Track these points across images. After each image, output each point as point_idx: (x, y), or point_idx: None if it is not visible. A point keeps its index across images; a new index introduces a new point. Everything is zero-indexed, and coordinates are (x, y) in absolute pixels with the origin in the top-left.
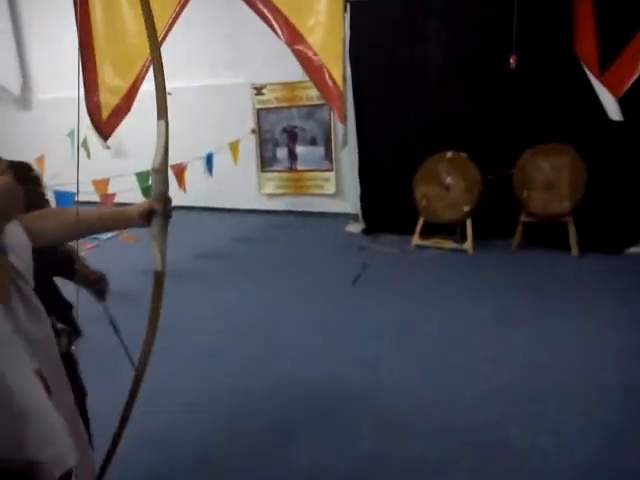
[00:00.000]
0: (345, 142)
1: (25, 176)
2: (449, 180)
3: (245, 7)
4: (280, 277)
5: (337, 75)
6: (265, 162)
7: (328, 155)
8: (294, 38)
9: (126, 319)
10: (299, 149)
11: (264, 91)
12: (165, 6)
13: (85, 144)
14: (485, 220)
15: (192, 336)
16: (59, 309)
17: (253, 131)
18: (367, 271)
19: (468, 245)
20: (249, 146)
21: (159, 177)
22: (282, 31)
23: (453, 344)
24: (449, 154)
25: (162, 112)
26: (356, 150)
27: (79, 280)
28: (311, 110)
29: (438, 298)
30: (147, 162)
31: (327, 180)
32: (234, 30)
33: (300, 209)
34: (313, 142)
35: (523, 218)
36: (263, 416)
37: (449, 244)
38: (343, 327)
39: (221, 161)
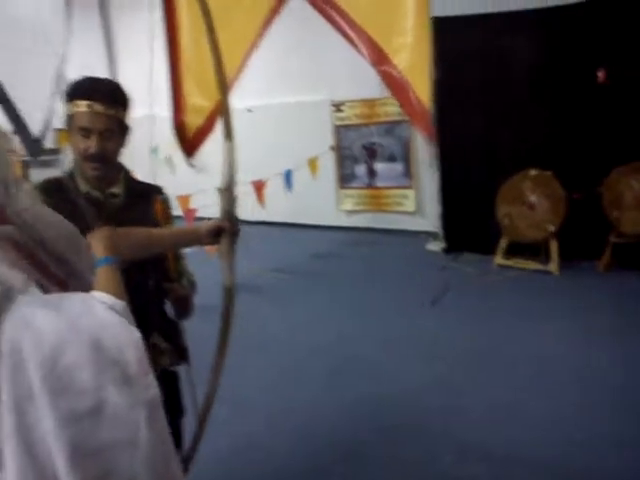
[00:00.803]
0: (436, 161)
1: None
2: (533, 199)
3: (325, 25)
4: (358, 294)
5: (423, 95)
6: (344, 179)
7: (407, 172)
8: (379, 58)
9: (205, 332)
10: (378, 166)
11: (343, 108)
12: (249, 25)
13: (169, 161)
14: (571, 240)
15: (269, 351)
16: (166, 328)
17: (332, 148)
18: (448, 291)
19: (553, 266)
20: (328, 163)
21: (227, 196)
22: (367, 51)
23: (539, 368)
24: (533, 172)
25: (228, 133)
26: (437, 167)
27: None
28: (390, 127)
29: (522, 320)
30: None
31: (406, 197)
32: (314, 48)
33: (379, 226)
34: (392, 159)
35: (613, 239)
36: (339, 435)
37: (533, 265)
38: (423, 347)
39: (300, 178)
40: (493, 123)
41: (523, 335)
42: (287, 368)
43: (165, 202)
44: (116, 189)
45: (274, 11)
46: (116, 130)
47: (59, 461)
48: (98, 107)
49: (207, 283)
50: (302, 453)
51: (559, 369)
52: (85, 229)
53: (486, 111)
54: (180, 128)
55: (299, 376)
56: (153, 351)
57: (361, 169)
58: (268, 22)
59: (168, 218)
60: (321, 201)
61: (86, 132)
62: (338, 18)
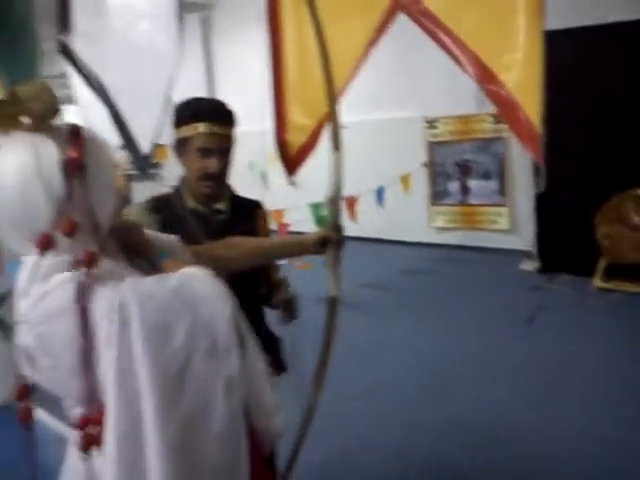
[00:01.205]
0: (544, 183)
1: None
2: (637, 219)
3: (420, 41)
4: (448, 312)
5: (533, 114)
6: (436, 195)
7: (502, 189)
8: (485, 77)
9: (299, 345)
10: (471, 183)
11: (437, 124)
12: (354, 45)
13: (264, 176)
14: None
15: (361, 365)
16: (267, 339)
17: (425, 164)
18: (543, 312)
19: None
20: (420, 179)
21: (333, 207)
22: (472, 70)
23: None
24: (639, 191)
25: (337, 143)
26: (532, 184)
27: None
28: (485, 143)
29: (624, 346)
30: (321, 193)
31: (500, 215)
32: (407, 64)
33: (470, 244)
34: (487, 176)
35: None
36: (431, 451)
37: (635, 287)
38: (516, 367)
39: (392, 194)
40: (593, 140)
41: (622, 361)
42: (379, 383)
43: (265, 216)
44: (221, 205)
45: (380, 31)
46: (229, 149)
47: (148, 413)
48: (217, 128)
49: (300, 297)
50: (395, 469)
51: None
52: (192, 243)
53: (585, 127)
54: (283, 146)
55: (391, 392)
56: None
57: (454, 186)
58: (373, 42)
59: (267, 232)
60: (412, 217)
61: (206, 152)
62: (442, 36)
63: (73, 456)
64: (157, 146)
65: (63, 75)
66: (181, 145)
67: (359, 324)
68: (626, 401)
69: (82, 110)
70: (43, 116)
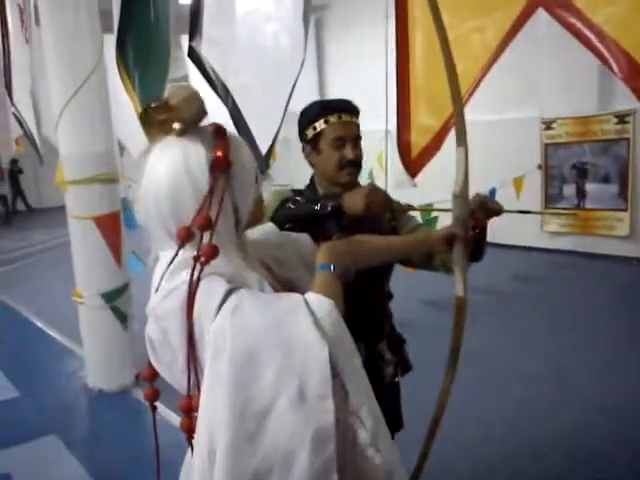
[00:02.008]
0: None
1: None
2: None
3: (538, 39)
4: (558, 322)
5: None
6: (550, 199)
7: (623, 194)
8: (634, 73)
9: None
10: (589, 186)
11: (554, 125)
12: (488, 40)
13: (371, 175)
14: None
15: (469, 371)
16: (391, 339)
17: (540, 167)
18: None
19: None
20: (534, 182)
21: (460, 202)
22: (617, 66)
23: None
24: None
25: (461, 138)
26: None
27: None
28: (606, 145)
29: None
30: (429, 194)
31: (620, 220)
32: (525, 63)
33: (585, 250)
34: (606, 179)
35: None
36: (542, 464)
37: None
38: (633, 384)
39: (504, 196)
40: None
41: None
42: (488, 390)
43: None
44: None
45: (516, 27)
46: (360, 137)
47: (220, 451)
48: (347, 117)
49: (406, 299)
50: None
51: None
52: (325, 237)
53: None
54: (405, 147)
55: (500, 400)
56: (378, 360)
57: (570, 189)
58: (508, 39)
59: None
60: (525, 221)
61: (340, 141)
62: (586, 31)
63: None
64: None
65: (185, 78)
66: (314, 142)
67: (469, 328)
68: None
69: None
70: (193, 120)
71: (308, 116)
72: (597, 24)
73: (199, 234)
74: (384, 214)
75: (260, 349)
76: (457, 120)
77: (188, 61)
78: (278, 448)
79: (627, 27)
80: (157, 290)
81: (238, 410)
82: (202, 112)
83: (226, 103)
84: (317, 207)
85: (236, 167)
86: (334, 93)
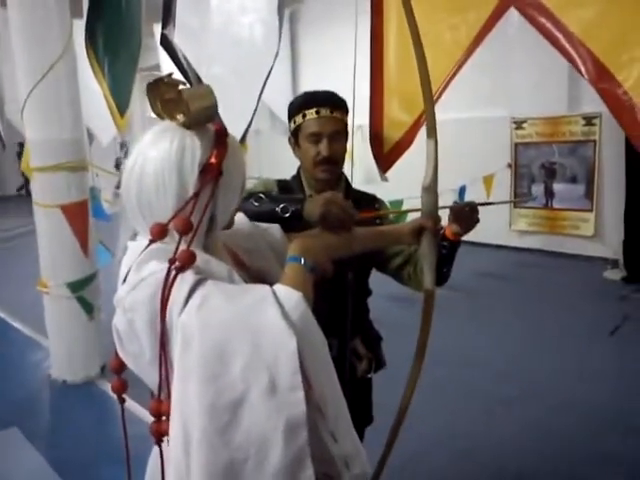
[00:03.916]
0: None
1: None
2: None
3: (510, 39)
4: (525, 319)
5: None
6: (519, 198)
7: (589, 194)
8: (600, 75)
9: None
10: (557, 186)
11: (524, 125)
12: (459, 39)
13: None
14: None
15: (435, 367)
16: (367, 335)
17: (509, 166)
18: (628, 323)
19: None
20: (504, 180)
21: (429, 196)
22: (585, 67)
23: None
24: None
25: (431, 131)
26: (623, 189)
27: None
28: (574, 146)
29: None
30: (399, 190)
31: (585, 221)
32: (498, 62)
33: (552, 249)
34: (573, 180)
35: None
36: (504, 462)
37: None
38: (597, 380)
39: (474, 194)
40: None
41: None
42: (451, 387)
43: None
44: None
45: (488, 27)
46: (342, 133)
47: (194, 441)
48: (325, 112)
49: (374, 295)
50: (465, 472)
51: None
52: (308, 227)
53: None
54: (377, 142)
55: (467, 396)
56: (352, 355)
57: (538, 189)
58: (479, 39)
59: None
60: (493, 219)
61: (316, 137)
62: (555, 32)
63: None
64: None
65: (156, 67)
66: (295, 136)
67: (435, 324)
68: None
69: None
70: (198, 120)
71: (292, 109)
72: (567, 25)
73: (173, 233)
74: (345, 227)
75: (228, 342)
76: (427, 113)
77: (161, 50)
78: (251, 439)
79: (595, 30)
80: (124, 281)
81: (209, 403)
82: (210, 114)
83: None
84: (278, 209)
85: (226, 177)
86: (307, 86)
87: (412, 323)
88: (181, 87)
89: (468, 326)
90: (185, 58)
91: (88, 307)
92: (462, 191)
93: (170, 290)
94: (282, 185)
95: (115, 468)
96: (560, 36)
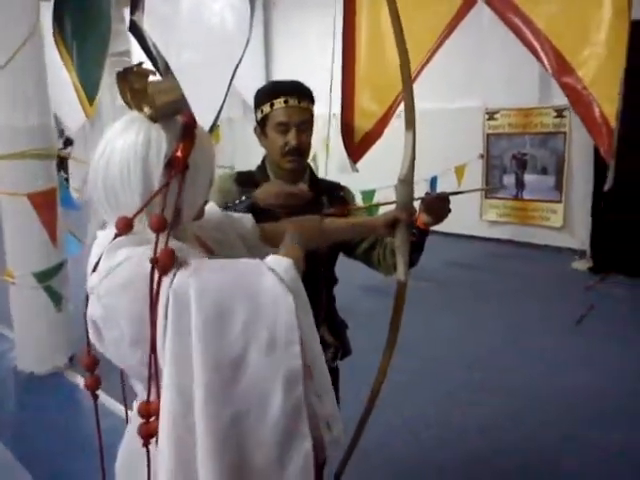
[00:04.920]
0: (612, 181)
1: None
2: None
3: (484, 32)
4: (496, 307)
5: (609, 112)
6: (489, 187)
7: (558, 186)
8: (562, 70)
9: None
10: (527, 177)
11: (497, 116)
12: (428, 34)
13: (314, 159)
14: None
15: (406, 355)
16: (333, 323)
17: (481, 156)
18: (593, 312)
19: None
20: (475, 171)
21: (405, 188)
22: (549, 62)
23: None
24: None
25: (410, 124)
26: (591, 181)
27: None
28: (545, 138)
29: None
30: (372, 180)
31: (554, 212)
32: (471, 53)
33: (522, 239)
34: (544, 171)
35: None
36: (472, 451)
37: None
38: (564, 367)
39: (445, 184)
40: None
41: None
42: (423, 376)
43: (349, 198)
44: (302, 184)
45: (457, 19)
46: (309, 123)
47: (198, 399)
48: (293, 102)
49: (345, 284)
50: (432, 462)
51: None
52: (274, 218)
53: None
54: (348, 132)
55: (439, 385)
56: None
57: (509, 179)
58: (449, 30)
59: (349, 214)
60: (464, 209)
61: (284, 127)
62: (521, 26)
63: (132, 436)
64: (215, 127)
65: (126, 52)
66: (262, 125)
67: (407, 313)
68: None
69: None
70: (164, 113)
71: (258, 97)
72: (532, 21)
73: (138, 225)
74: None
75: (227, 303)
76: (406, 105)
77: (131, 36)
78: (253, 392)
79: (559, 26)
80: (94, 269)
81: (213, 361)
82: (176, 108)
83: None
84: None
85: (192, 171)
86: (280, 74)
87: (381, 313)
88: (150, 78)
89: (439, 316)
90: (154, 45)
91: (56, 297)
92: (434, 181)
93: (158, 293)
94: (244, 178)
95: (83, 459)
96: (526, 31)
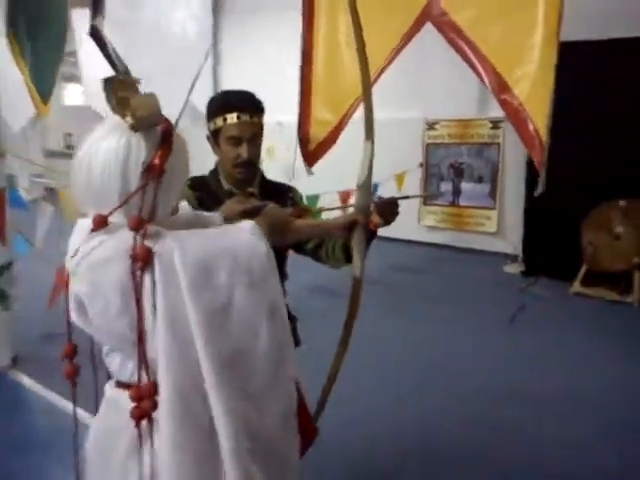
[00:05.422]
0: (543, 187)
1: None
2: (620, 229)
3: (427, 47)
4: (434, 309)
5: (541, 127)
6: (429, 194)
7: (492, 193)
8: (500, 87)
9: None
10: (464, 185)
11: (436, 127)
12: (382, 47)
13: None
14: None
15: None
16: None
17: (421, 165)
18: (524, 312)
19: (634, 298)
20: (415, 179)
21: (363, 192)
22: (489, 80)
23: (617, 398)
24: (623, 202)
25: (369, 134)
26: (523, 189)
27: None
28: (480, 148)
29: (597, 349)
30: (318, 186)
31: (489, 218)
32: (414, 66)
33: (458, 245)
34: (479, 179)
35: None
36: (407, 445)
37: (612, 295)
38: (498, 362)
39: (386, 191)
40: (587, 150)
41: (597, 363)
42: (365, 375)
43: (298, 199)
44: (253, 188)
45: (408, 37)
46: (259, 135)
47: (198, 344)
48: (245, 117)
49: (295, 285)
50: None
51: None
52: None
53: (581, 138)
54: (304, 140)
55: (377, 385)
56: None
57: (447, 187)
58: (400, 48)
59: (301, 215)
60: (404, 215)
61: (236, 141)
62: (464, 47)
63: (108, 413)
64: None
65: (72, 54)
66: (214, 136)
67: (343, 316)
68: (612, 405)
69: (87, 89)
70: (143, 125)
71: (210, 109)
72: (474, 42)
73: (114, 220)
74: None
75: (210, 259)
76: (366, 116)
77: (79, 37)
78: (244, 327)
79: (497, 48)
80: (74, 253)
81: (205, 309)
82: (153, 121)
83: None
84: None
85: (168, 175)
86: (228, 82)
87: (329, 312)
88: (133, 89)
89: (381, 317)
90: (114, 50)
91: (3, 296)
92: (375, 188)
93: (141, 290)
94: (197, 182)
95: (25, 459)
96: (468, 51)
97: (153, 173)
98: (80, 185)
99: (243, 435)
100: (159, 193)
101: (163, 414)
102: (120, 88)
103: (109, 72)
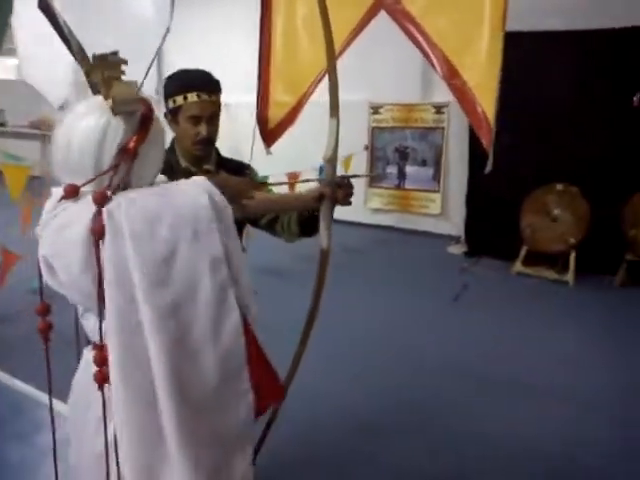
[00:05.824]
0: (491, 166)
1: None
2: (557, 212)
3: (373, 31)
4: (380, 289)
5: (489, 112)
6: (374, 178)
7: (436, 176)
8: (450, 74)
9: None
10: (409, 169)
11: (381, 110)
12: (336, 35)
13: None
14: (589, 254)
15: (292, 337)
16: None
17: (366, 148)
18: (467, 292)
19: (570, 277)
20: (361, 162)
21: (330, 166)
22: (439, 66)
23: (549, 370)
24: (559, 186)
25: (334, 111)
26: (466, 173)
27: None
28: (425, 132)
29: (534, 325)
30: (267, 168)
31: (433, 201)
32: (360, 50)
33: (404, 226)
34: (423, 163)
35: (628, 256)
36: (362, 420)
37: (550, 274)
38: (442, 340)
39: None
40: (526, 136)
41: (534, 338)
42: (310, 354)
43: (254, 177)
44: (209, 165)
45: (362, 25)
46: (218, 114)
47: (140, 290)
48: (205, 96)
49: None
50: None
51: (568, 372)
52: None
53: (521, 124)
54: (263, 121)
55: (328, 360)
56: None
57: (392, 170)
58: (354, 34)
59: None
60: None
61: (196, 119)
62: (416, 34)
63: (84, 372)
64: None
65: (12, 51)
66: (173, 114)
67: (292, 295)
68: (549, 380)
69: (22, 62)
70: (122, 110)
71: (170, 87)
72: (425, 30)
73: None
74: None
75: (154, 212)
76: (331, 95)
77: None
78: (185, 279)
79: (448, 35)
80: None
81: (147, 259)
82: (133, 108)
83: (82, 64)
84: None
85: (142, 158)
86: (174, 64)
87: (283, 293)
88: (119, 71)
89: (327, 298)
90: (66, 24)
91: None
92: (321, 170)
93: (102, 226)
94: None
95: None
96: (420, 38)
97: (126, 155)
98: (59, 158)
99: (180, 387)
100: (131, 174)
101: (112, 373)
102: (106, 67)
103: (45, 45)
